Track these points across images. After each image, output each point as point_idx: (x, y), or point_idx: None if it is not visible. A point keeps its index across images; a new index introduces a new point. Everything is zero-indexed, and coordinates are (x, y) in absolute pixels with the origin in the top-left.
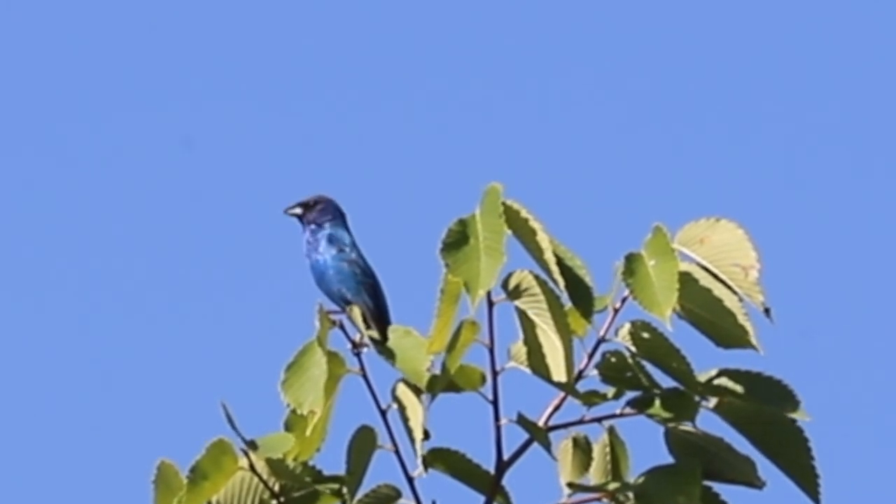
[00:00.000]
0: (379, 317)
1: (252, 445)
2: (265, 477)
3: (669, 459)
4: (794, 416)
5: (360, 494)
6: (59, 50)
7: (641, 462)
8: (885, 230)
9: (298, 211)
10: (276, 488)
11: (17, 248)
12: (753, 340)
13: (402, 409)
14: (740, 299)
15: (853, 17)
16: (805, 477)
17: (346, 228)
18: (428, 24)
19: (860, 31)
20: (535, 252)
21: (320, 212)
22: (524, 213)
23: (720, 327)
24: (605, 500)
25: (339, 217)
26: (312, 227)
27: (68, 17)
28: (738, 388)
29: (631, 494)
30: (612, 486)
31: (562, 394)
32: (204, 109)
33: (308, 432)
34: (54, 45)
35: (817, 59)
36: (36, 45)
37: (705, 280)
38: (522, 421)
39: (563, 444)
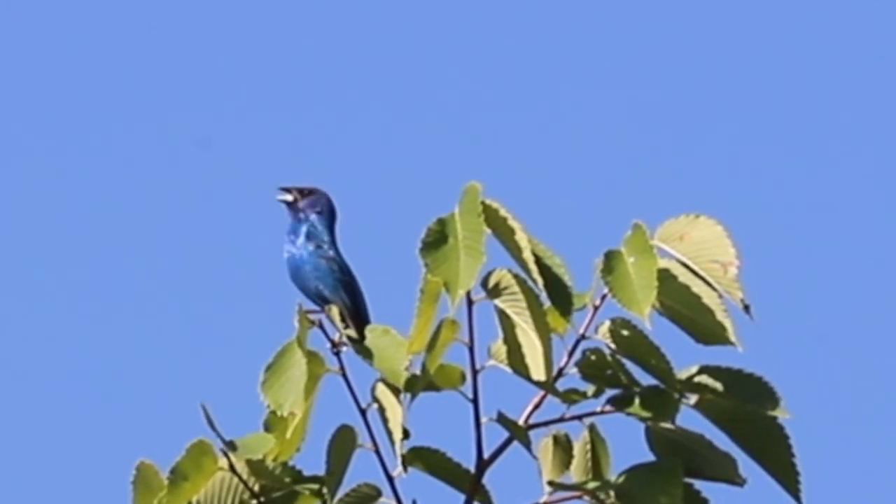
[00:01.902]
0: (357, 315)
1: (232, 446)
2: (245, 477)
3: (650, 457)
4: (774, 413)
5: (340, 494)
6: (71, 51)
7: (622, 460)
8: (865, 226)
9: (289, 198)
10: (256, 489)
11: (23, 245)
12: (733, 337)
13: (381, 408)
14: (720, 296)
15: (833, 14)
16: (786, 474)
17: (329, 226)
18: (408, 24)
19: (841, 25)
20: (514, 251)
21: (309, 203)
22: (503, 212)
23: (700, 324)
24: (585, 498)
25: (326, 213)
26: (297, 218)
27: (82, 18)
28: (718, 386)
29: (612, 492)
30: (593, 484)
31: (542, 392)
32: (211, 110)
33: (288, 434)
34: (67, 47)
35: (793, 54)
36: (49, 46)
37: (685, 277)
38: (502, 419)
39: (543, 443)
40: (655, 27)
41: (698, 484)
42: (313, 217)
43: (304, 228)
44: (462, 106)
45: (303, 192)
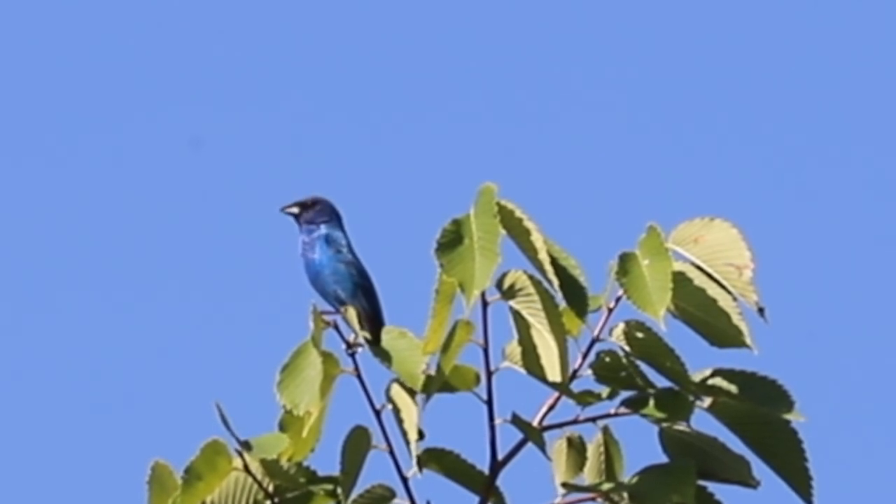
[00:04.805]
0: (373, 318)
1: (246, 446)
2: (259, 477)
3: (664, 459)
4: (788, 416)
5: (354, 495)
6: (63, 51)
7: (636, 462)
8: (879, 229)
9: (295, 210)
10: (271, 489)
11: (20, 246)
12: (748, 340)
13: (396, 409)
14: (734, 299)
15: (850, 16)
16: (798, 478)
17: (343, 230)
18: (421, 26)
19: (857, 29)
20: (530, 252)
21: (317, 212)
22: (518, 213)
23: (714, 327)
24: (599, 499)
25: (335, 218)
26: (309, 227)
27: (75, 17)
28: (733, 388)
29: (625, 494)
30: (607, 485)
31: (556, 393)
32: (206, 110)
33: (304, 434)
34: (58, 46)
35: (812, 57)
36: (40, 45)
37: (699, 280)
38: (517, 421)
39: (557, 444)
40: (674, 30)
41: (712, 486)
42: (328, 224)
43: (321, 235)
44: (478, 107)
45: (306, 205)
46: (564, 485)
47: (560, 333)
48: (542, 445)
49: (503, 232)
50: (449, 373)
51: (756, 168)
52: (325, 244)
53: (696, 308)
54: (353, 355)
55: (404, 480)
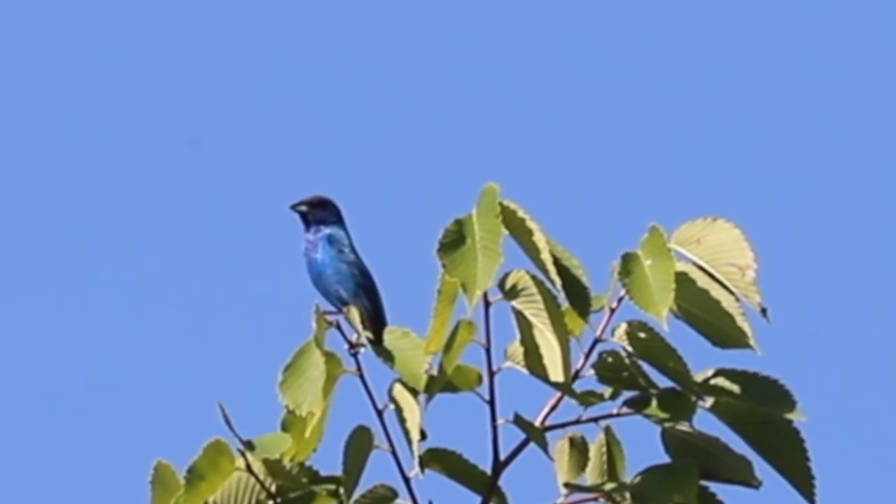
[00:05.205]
0: (375, 319)
1: (249, 446)
2: (262, 477)
3: (666, 459)
4: (790, 416)
5: (356, 495)
6: (63, 51)
7: (638, 462)
8: (882, 229)
9: (304, 208)
10: (273, 489)
11: (20, 247)
12: (751, 341)
13: (398, 409)
14: (737, 299)
15: (853, 17)
16: (800, 478)
17: (345, 229)
18: (424, 25)
19: (859, 30)
20: (532, 252)
21: (320, 212)
22: (521, 213)
23: (717, 327)
24: (601, 500)
25: (339, 218)
26: (313, 227)
27: (75, 17)
28: (735, 388)
29: (627, 494)
30: (609, 486)
31: (558, 394)
32: (205, 110)
33: (306, 434)
34: (58, 47)
35: (815, 57)
36: (40, 46)
37: (702, 280)
38: (519, 421)
39: (559, 445)
40: (675, 30)
41: (714, 486)
42: (331, 224)
43: (324, 235)
44: (481, 107)
45: (311, 204)
46: (567, 485)
47: (562, 333)
48: (544, 446)
49: (505, 232)
50: (451, 373)
51: (758, 168)
52: (328, 244)
53: (698, 308)
54: (355, 355)
55: (406, 480)
